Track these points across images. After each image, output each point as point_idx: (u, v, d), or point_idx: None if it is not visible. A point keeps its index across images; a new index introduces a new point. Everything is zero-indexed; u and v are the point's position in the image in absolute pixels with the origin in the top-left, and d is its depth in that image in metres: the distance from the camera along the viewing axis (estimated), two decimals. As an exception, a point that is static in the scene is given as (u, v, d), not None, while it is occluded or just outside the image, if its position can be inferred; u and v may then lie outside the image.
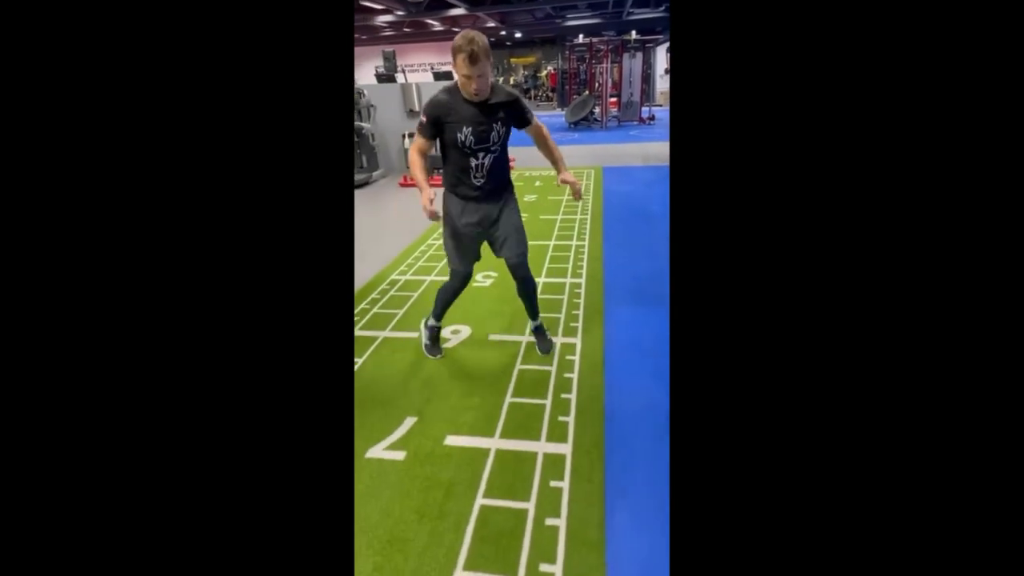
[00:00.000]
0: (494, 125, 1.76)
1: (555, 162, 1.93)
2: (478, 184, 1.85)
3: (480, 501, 1.45)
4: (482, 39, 1.61)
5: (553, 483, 1.50)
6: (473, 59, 1.59)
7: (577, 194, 1.90)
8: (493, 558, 1.27)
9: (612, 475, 1.52)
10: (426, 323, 2.25)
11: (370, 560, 1.28)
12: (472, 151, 1.78)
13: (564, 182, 1.86)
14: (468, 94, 1.70)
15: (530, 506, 1.42)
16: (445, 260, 3.37)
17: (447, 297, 2.12)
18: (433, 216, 1.71)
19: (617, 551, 1.28)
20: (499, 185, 1.91)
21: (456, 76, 1.69)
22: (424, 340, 2.23)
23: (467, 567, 1.25)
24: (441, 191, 1.90)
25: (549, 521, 1.37)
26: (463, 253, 1.96)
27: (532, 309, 2.16)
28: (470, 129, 1.74)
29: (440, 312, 2.17)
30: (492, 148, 1.80)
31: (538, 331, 2.22)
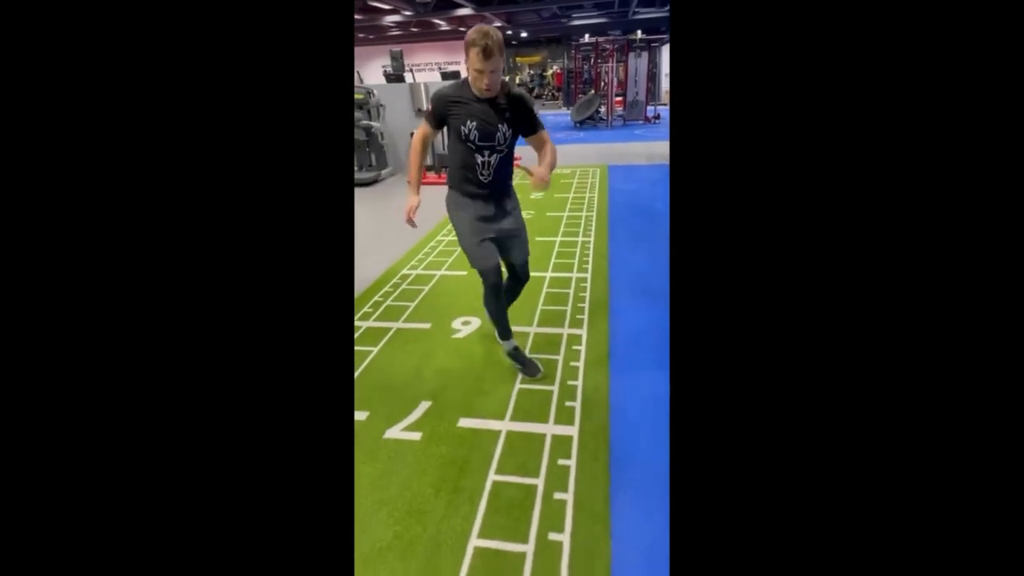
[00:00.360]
0: (500, 126, 1.74)
1: (542, 159, 1.83)
2: (484, 181, 1.82)
3: (492, 477, 1.54)
4: (496, 34, 1.60)
5: (561, 461, 1.59)
6: (487, 53, 1.58)
7: (538, 180, 1.73)
8: (505, 527, 1.37)
9: (616, 455, 1.61)
10: (505, 352, 2.10)
11: (391, 529, 1.38)
12: (477, 147, 1.76)
13: (526, 167, 1.78)
14: (479, 90, 1.68)
15: (539, 482, 1.52)
16: (455, 255, 3.48)
17: (494, 307, 1.96)
18: (410, 223, 1.87)
19: (621, 523, 1.37)
20: (505, 186, 1.89)
21: (467, 71, 1.68)
22: (516, 366, 2.07)
23: (481, 535, 1.35)
24: (436, 195, 1.90)
25: (557, 495, 1.46)
26: (483, 248, 1.85)
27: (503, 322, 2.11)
28: (475, 123, 1.72)
29: (503, 328, 2.02)
30: (498, 148, 1.78)
31: (520, 352, 2.18)
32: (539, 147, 1.87)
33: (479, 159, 1.79)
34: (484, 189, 1.84)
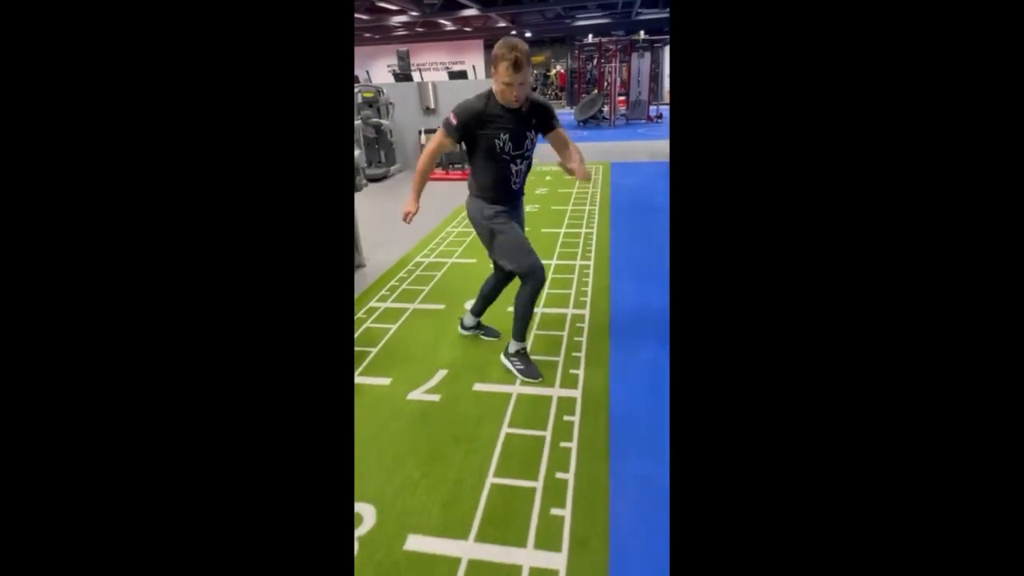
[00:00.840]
0: (527, 133, 1.81)
1: (570, 156, 1.87)
2: (515, 189, 1.90)
3: (505, 430, 1.75)
4: (524, 46, 1.64)
5: (566, 417, 1.79)
6: (517, 66, 1.62)
7: (580, 172, 1.81)
8: (518, 468, 1.57)
9: (616, 412, 1.81)
10: (507, 352, 2.08)
11: (418, 469, 1.58)
12: (511, 158, 1.81)
13: (563, 165, 1.84)
14: (507, 101, 1.71)
15: (547, 433, 1.72)
16: (465, 245, 3.67)
17: (530, 308, 1.96)
18: (407, 220, 1.94)
19: (619, 464, 1.57)
20: (523, 188, 1.98)
21: (495, 84, 1.71)
22: (516, 367, 2.04)
23: (497, 474, 1.55)
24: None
25: (563, 444, 1.66)
26: (528, 246, 1.91)
27: (485, 304, 2.25)
28: (507, 136, 1.76)
29: (523, 331, 2.02)
30: (527, 154, 1.86)
31: (483, 325, 2.36)
32: (562, 146, 1.90)
33: (513, 168, 1.85)
34: (513, 195, 1.93)
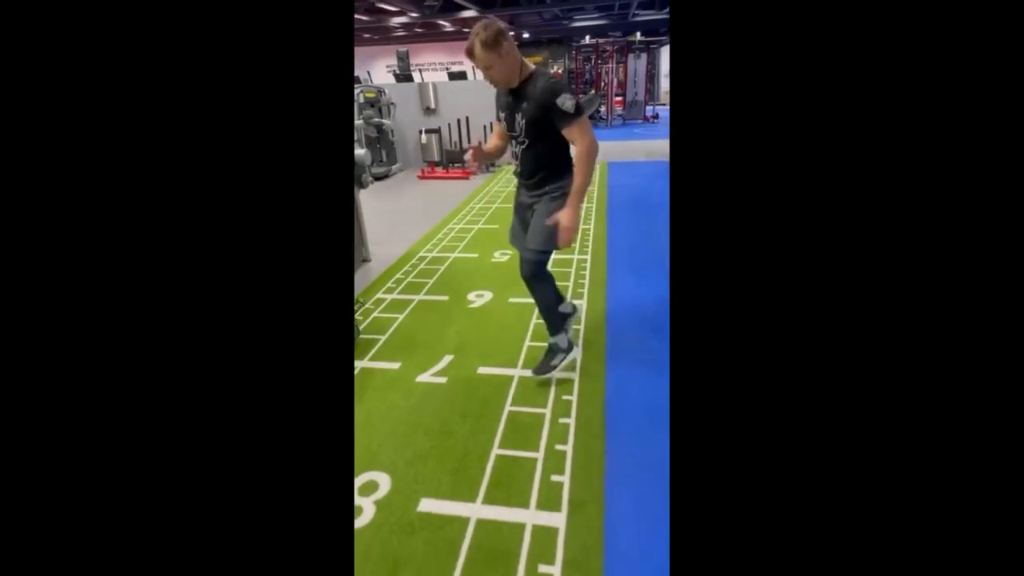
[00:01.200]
0: (516, 116, 1.73)
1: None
2: (520, 169, 1.87)
3: (508, 408, 1.88)
4: (486, 32, 1.58)
5: (565, 397, 1.92)
6: (469, 54, 1.64)
7: (562, 235, 1.69)
8: (521, 441, 1.70)
9: (611, 393, 1.94)
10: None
11: (428, 443, 1.71)
12: (510, 136, 1.82)
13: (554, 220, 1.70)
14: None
15: (547, 411, 1.85)
16: (467, 240, 3.80)
17: (535, 297, 1.94)
18: (470, 164, 1.89)
19: (614, 437, 1.70)
20: (536, 177, 1.82)
21: None
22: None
23: (501, 446, 1.68)
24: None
25: (562, 420, 1.80)
26: (512, 227, 2.01)
27: (545, 322, 1.98)
28: (504, 114, 1.81)
29: (549, 326, 1.99)
30: (519, 138, 1.75)
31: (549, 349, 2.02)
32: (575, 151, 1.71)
33: (512, 147, 1.85)
34: (520, 176, 1.89)
